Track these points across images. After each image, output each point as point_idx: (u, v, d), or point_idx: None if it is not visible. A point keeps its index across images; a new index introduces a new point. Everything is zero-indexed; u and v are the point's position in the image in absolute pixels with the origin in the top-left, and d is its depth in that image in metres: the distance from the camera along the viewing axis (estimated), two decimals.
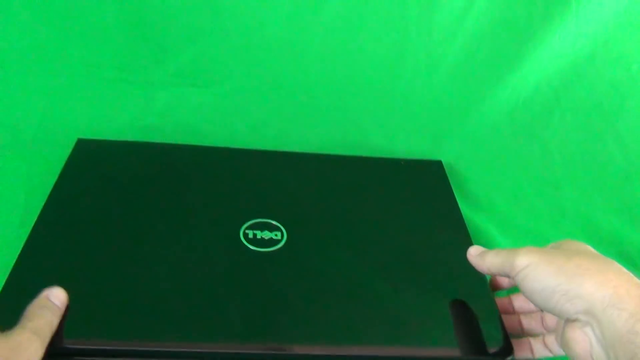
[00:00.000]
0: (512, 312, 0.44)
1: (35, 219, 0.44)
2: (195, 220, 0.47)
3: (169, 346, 0.37)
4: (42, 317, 0.35)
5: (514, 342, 0.41)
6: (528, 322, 0.43)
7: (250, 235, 0.45)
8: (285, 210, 0.49)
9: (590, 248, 0.38)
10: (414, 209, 0.53)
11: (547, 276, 0.34)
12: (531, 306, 0.43)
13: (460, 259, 0.42)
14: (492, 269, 0.39)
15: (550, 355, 0.41)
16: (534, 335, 0.42)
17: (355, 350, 0.39)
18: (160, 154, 0.54)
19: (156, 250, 0.43)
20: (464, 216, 0.53)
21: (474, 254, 0.42)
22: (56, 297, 0.38)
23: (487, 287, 0.45)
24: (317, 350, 0.39)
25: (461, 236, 0.50)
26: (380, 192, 0.54)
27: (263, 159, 0.56)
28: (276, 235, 0.46)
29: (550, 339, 0.40)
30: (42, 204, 0.46)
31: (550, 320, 0.41)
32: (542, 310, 0.40)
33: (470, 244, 0.47)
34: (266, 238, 0.46)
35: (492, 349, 0.40)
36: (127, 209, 0.47)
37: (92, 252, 0.43)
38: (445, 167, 0.59)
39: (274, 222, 0.47)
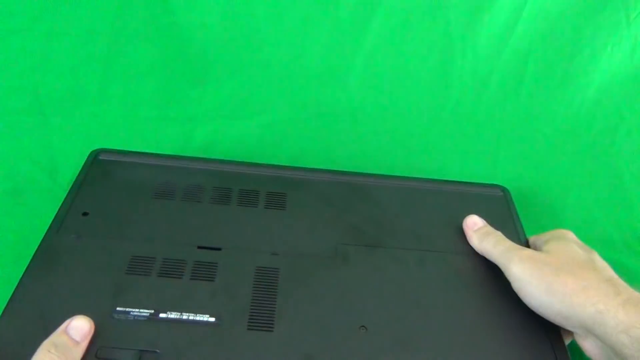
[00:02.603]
0: None
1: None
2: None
3: None
4: None
5: None
6: None
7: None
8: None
9: (574, 247, 0.39)
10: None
11: (540, 295, 0.36)
12: None
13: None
14: (485, 255, 0.43)
15: None
16: None
17: None
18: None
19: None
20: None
21: (472, 227, 0.45)
22: (77, 329, 0.33)
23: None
24: None
25: None
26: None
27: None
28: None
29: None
30: None
31: None
32: None
33: None
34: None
35: None
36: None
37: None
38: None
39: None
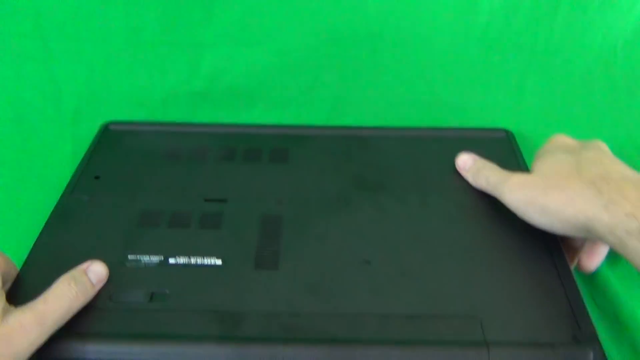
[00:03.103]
0: None
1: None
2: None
3: None
4: (62, 299, 0.32)
5: None
6: None
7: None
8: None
9: (560, 155, 0.39)
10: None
11: (539, 218, 0.37)
12: None
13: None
14: (481, 189, 0.43)
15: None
16: None
17: None
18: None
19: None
20: None
21: (464, 168, 0.45)
22: (95, 273, 0.35)
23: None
24: None
25: None
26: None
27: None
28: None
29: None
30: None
31: None
32: None
33: None
34: None
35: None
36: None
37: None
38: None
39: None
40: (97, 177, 0.46)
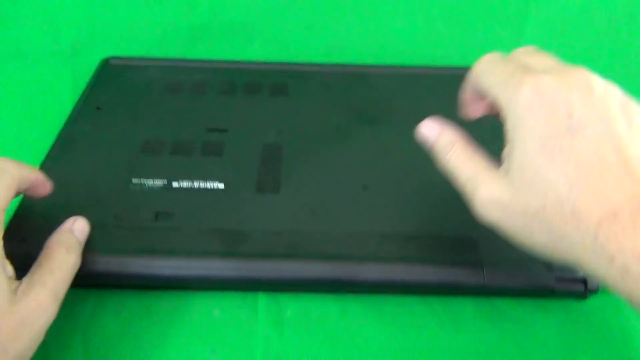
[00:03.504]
0: None
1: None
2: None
3: None
4: (65, 268, 0.30)
5: None
6: None
7: None
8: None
9: (538, 160, 0.26)
10: None
11: (516, 241, 0.28)
12: None
13: None
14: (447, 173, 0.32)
15: None
16: None
17: None
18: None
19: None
20: None
21: (426, 145, 0.33)
22: (80, 231, 0.33)
23: None
24: None
25: None
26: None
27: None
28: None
29: None
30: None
31: None
32: None
33: None
34: None
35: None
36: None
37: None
38: None
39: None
40: (98, 108, 0.46)
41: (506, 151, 0.28)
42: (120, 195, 0.37)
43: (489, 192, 0.28)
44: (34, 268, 0.29)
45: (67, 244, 0.31)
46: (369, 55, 0.54)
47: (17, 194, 0.31)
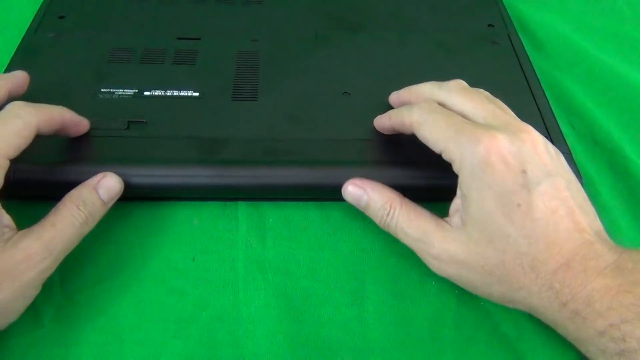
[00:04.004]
0: None
1: None
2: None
3: None
4: (71, 224, 0.28)
5: None
6: None
7: None
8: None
9: (496, 216, 0.27)
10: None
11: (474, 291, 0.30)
12: None
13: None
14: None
15: None
16: None
17: None
18: None
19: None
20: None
21: (357, 196, 0.32)
22: (107, 189, 0.30)
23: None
24: None
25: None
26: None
27: None
28: None
29: None
30: None
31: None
32: None
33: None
34: None
35: None
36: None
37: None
38: None
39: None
40: (61, 17, 0.43)
41: (458, 206, 0.29)
42: (89, 104, 0.35)
43: (444, 250, 0.28)
44: (40, 220, 0.28)
45: (81, 201, 0.29)
46: None
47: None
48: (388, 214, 0.30)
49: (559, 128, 0.37)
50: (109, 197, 0.30)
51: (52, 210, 0.29)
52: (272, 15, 0.45)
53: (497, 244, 0.27)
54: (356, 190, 0.31)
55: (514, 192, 0.27)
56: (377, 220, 0.31)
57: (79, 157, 0.32)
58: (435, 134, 0.29)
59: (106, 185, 0.30)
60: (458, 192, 0.29)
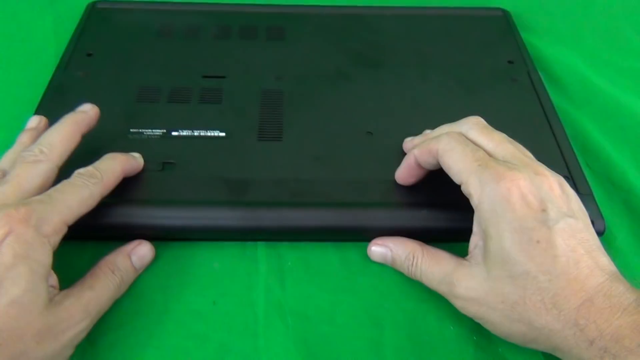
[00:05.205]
0: None
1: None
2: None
3: None
4: (107, 288, 0.30)
5: None
6: None
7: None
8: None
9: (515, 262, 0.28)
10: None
11: (499, 332, 0.30)
12: None
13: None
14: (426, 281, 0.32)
15: None
16: None
17: None
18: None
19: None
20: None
21: (382, 254, 0.33)
22: (140, 257, 0.32)
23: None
24: None
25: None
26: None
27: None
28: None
29: None
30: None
31: None
32: None
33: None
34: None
35: None
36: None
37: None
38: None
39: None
40: (89, 55, 0.44)
41: (476, 243, 0.30)
42: (119, 144, 0.36)
43: (465, 288, 0.29)
44: (78, 281, 0.29)
45: (115, 266, 0.31)
46: None
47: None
48: (412, 264, 0.32)
49: (580, 168, 0.38)
50: (141, 264, 0.33)
51: (89, 273, 0.30)
52: (294, 51, 0.46)
53: (517, 280, 0.27)
54: (380, 249, 0.34)
55: (534, 229, 0.27)
56: (405, 272, 0.33)
57: (108, 199, 0.33)
58: (460, 164, 0.30)
59: (140, 253, 0.32)
60: (475, 228, 0.30)
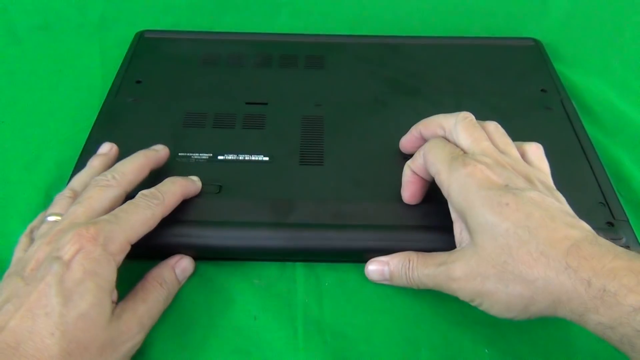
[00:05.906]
0: None
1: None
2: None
3: None
4: (157, 301, 0.32)
5: None
6: None
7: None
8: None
9: (502, 229, 0.29)
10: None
11: (498, 312, 0.30)
12: None
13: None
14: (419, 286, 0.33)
15: None
16: None
17: None
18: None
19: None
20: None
21: (379, 272, 0.35)
22: (183, 270, 0.34)
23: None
24: None
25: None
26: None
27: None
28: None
29: None
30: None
31: None
32: None
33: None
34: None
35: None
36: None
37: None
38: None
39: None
40: (138, 82, 0.47)
41: (460, 227, 0.32)
42: (169, 168, 0.38)
43: (459, 268, 0.30)
44: (129, 295, 0.31)
45: (163, 279, 0.33)
46: (395, 26, 0.54)
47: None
48: (409, 267, 0.33)
49: (616, 195, 0.38)
50: (184, 277, 0.35)
51: (139, 286, 0.32)
52: (333, 79, 0.48)
53: (500, 239, 0.28)
54: (377, 266, 0.35)
55: (501, 195, 0.29)
56: (404, 280, 0.33)
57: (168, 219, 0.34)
58: (434, 158, 0.33)
59: (182, 266, 0.34)
60: (453, 215, 0.33)
